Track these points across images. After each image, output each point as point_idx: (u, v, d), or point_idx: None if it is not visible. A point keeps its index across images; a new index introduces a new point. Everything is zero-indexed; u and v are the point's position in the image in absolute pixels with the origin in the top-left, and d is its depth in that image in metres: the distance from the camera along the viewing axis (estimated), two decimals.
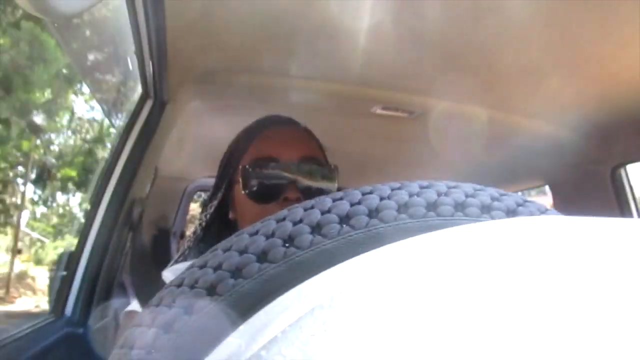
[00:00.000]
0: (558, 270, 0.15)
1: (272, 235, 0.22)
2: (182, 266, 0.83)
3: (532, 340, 0.13)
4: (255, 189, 0.85)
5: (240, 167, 0.87)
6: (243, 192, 0.86)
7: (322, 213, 0.22)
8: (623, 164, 1.53)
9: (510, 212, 0.23)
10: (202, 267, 0.22)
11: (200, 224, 0.91)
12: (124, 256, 1.50)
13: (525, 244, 0.17)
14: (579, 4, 0.90)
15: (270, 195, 0.85)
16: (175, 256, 0.92)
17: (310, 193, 0.85)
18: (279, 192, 0.84)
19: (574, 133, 1.49)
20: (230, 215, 0.91)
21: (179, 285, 0.22)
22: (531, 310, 0.14)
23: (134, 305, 0.82)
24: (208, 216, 0.91)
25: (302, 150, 0.89)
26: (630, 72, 1.11)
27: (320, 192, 0.86)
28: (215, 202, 0.91)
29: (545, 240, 0.17)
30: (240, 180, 0.86)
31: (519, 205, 0.24)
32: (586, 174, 1.61)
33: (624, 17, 0.91)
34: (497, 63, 1.16)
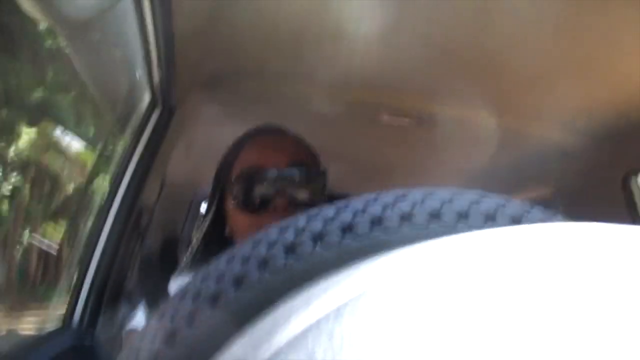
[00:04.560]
0: (568, 278, 0.15)
1: (274, 244, 0.22)
2: (186, 280, 0.83)
3: (543, 349, 0.13)
4: (243, 200, 0.85)
5: (228, 179, 0.88)
6: (233, 203, 0.86)
7: (296, 233, 0.22)
8: (634, 171, 1.51)
9: (516, 220, 0.23)
10: (204, 279, 0.22)
11: (196, 240, 0.92)
12: (133, 265, 1.51)
13: (535, 251, 0.16)
14: (589, 8, 0.89)
15: (258, 205, 0.84)
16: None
17: (299, 198, 0.85)
18: (267, 201, 0.84)
19: (584, 139, 1.48)
20: (226, 230, 0.91)
21: (181, 298, 0.22)
22: (541, 317, 0.13)
23: (137, 321, 0.82)
24: (204, 231, 0.91)
25: (289, 156, 0.88)
26: None
27: (309, 198, 0.85)
28: (209, 217, 0.91)
29: (554, 247, 0.17)
30: (230, 191, 0.87)
31: (525, 211, 0.24)
32: (597, 181, 1.60)
33: (635, 21, 0.91)
34: (506, 68, 1.16)
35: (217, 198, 0.91)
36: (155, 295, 0.83)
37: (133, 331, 0.80)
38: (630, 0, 0.84)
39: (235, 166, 0.89)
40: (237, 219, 0.87)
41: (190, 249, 0.92)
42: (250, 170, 0.86)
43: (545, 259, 0.16)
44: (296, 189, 0.85)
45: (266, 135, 0.93)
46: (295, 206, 0.84)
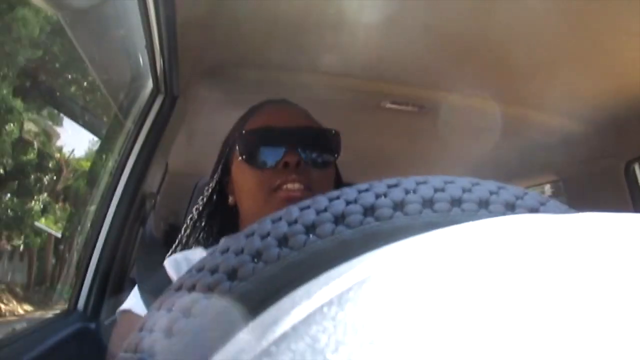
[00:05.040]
0: (573, 267, 0.15)
1: (268, 235, 0.22)
2: (179, 256, 0.81)
3: (538, 340, 0.13)
4: (253, 152, 0.81)
5: (238, 134, 0.84)
6: (240, 158, 0.82)
7: (318, 213, 0.22)
8: (637, 159, 1.51)
9: (534, 210, 0.23)
10: (200, 269, 0.22)
11: (197, 209, 0.89)
12: (136, 251, 1.51)
13: (538, 241, 0.17)
14: None
15: (269, 158, 0.80)
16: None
17: (310, 157, 0.82)
18: (279, 155, 0.80)
19: (588, 127, 1.47)
20: (230, 200, 0.87)
21: (178, 289, 0.22)
22: (535, 309, 0.14)
23: (129, 302, 0.78)
24: (205, 199, 0.88)
25: (299, 120, 0.85)
26: None
27: (321, 157, 0.83)
28: (212, 184, 0.88)
29: (556, 237, 0.17)
30: (238, 147, 0.83)
31: (542, 204, 0.24)
32: (600, 169, 1.59)
33: (637, 10, 0.90)
34: (509, 56, 1.15)
35: (222, 166, 0.88)
36: (151, 280, 0.81)
37: (127, 312, 0.77)
38: None
39: (244, 128, 0.86)
40: (244, 177, 0.82)
41: (187, 223, 0.89)
42: (261, 127, 0.83)
43: (548, 248, 0.16)
44: (308, 147, 0.82)
45: (273, 104, 0.91)
46: (306, 164, 0.80)
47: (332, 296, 0.15)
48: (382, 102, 1.44)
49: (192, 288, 0.21)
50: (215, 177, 0.88)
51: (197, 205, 0.89)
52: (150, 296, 0.75)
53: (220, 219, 0.89)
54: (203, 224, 0.89)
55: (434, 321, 0.13)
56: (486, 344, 0.13)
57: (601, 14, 0.95)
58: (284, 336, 0.15)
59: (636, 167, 1.52)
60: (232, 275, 0.21)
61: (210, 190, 0.88)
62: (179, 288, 0.22)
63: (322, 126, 0.88)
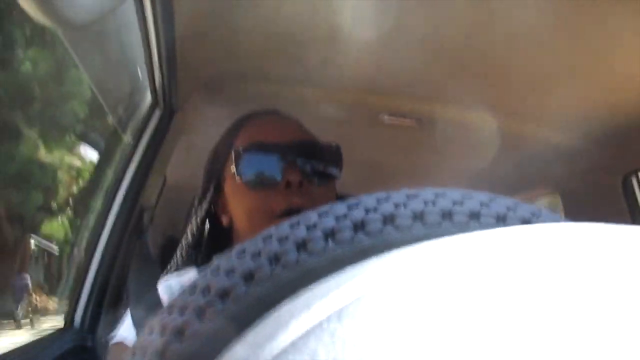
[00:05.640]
0: (569, 279, 0.15)
1: (259, 255, 0.22)
2: (174, 281, 0.76)
3: (545, 352, 0.13)
4: (251, 172, 0.75)
5: (233, 151, 0.77)
6: (238, 179, 0.75)
7: (308, 228, 0.22)
8: (635, 172, 1.51)
9: (526, 222, 0.23)
10: (192, 291, 0.22)
11: (190, 231, 0.84)
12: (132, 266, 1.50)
13: (536, 253, 0.16)
14: (590, 11, 0.89)
15: (268, 178, 0.75)
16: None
17: (312, 174, 0.76)
18: (279, 174, 0.74)
19: (585, 141, 1.48)
20: (224, 221, 0.82)
21: (170, 312, 0.22)
22: (542, 319, 0.13)
23: (122, 334, 0.74)
24: (199, 221, 0.83)
25: (294, 134, 0.80)
26: None
27: (324, 173, 0.78)
28: (204, 205, 0.82)
29: (555, 248, 0.17)
30: (234, 167, 0.76)
31: (534, 215, 0.24)
32: (597, 182, 1.60)
33: (636, 23, 0.91)
34: (507, 70, 1.16)
35: (214, 185, 0.82)
36: (147, 299, 0.77)
37: (119, 344, 0.72)
38: (630, 2, 0.84)
39: (236, 144, 0.79)
40: (242, 199, 0.77)
41: (182, 244, 0.84)
42: (256, 143, 0.77)
43: (546, 260, 0.16)
44: (309, 162, 0.76)
45: (263, 116, 0.85)
46: (309, 182, 0.75)
47: (330, 312, 0.15)
48: (380, 116, 1.44)
49: (184, 310, 0.21)
50: (207, 197, 0.82)
51: (191, 227, 0.84)
52: (142, 323, 0.71)
53: (214, 239, 0.85)
54: (197, 244, 0.84)
55: (432, 336, 0.13)
56: (484, 357, 0.12)
57: (599, 29, 0.95)
58: (283, 352, 0.14)
59: (634, 180, 1.53)
60: (223, 296, 0.20)
61: (204, 212, 0.83)
62: (171, 311, 0.22)
63: (318, 138, 0.85)
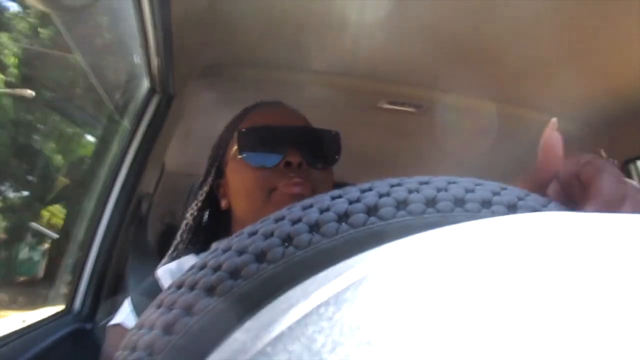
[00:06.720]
0: (562, 268, 0.15)
1: (271, 234, 0.22)
2: (173, 265, 0.77)
3: (537, 340, 0.13)
4: (253, 151, 0.78)
5: (237, 132, 0.81)
6: (239, 158, 0.79)
7: (321, 212, 0.22)
8: (634, 159, 1.51)
9: (511, 207, 0.23)
10: (202, 267, 0.22)
11: (191, 214, 0.86)
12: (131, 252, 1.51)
13: (528, 241, 0.16)
14: None
15: (269, 157, 0.78)
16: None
17: (311, 158, 0.80)
18: (280, 155, 0.77)
19: (584, 127, 1.48)
20: (223, 204, 0.84)
21: (179, 287, 0.22)
22: (535, 308, 0.13)
23: (120, 316, 0.75)
24: (199, 204, 0.85)
25: (296, 121, 0.84)
26: None
27: (322, 158, 0.81)
28: (205, 189, 0.85)
29: (549, 236, 0.17)
30: (237, 145, 0.80)
31: (520, 199, 0.24)
32: None
33: (635, 10, 0.90)
34: (506, 56, 1.15)
35: (215, 169, 0.85)
36: (146, 284, 0.78)
37: (117, 326, 0.73)
38: None
39: (240, 128, 0.83)
40: (242, 177, 0.79)
41: (182, 227, 0.86)
42: (261, 125, 0.81)
43: (544, 247, 0.16)
44: (309, 147, 0.79)
45: (267, 106, 0.89)
46: (308, 165, 0.79)
47: (329, 296, 0.15)
48: (379, 102, 1.44)
49: (193, 286, 0.21)
50: (209, 180, 0.85)
51: (192, 210, 0.86)
52: (141, 307, 0.72)
53: (214, 224, 0.87)
54: (197, 229, 0.86)
55: (431, 321, 0.13)
56: (485, 343, 0.12)
57: (597, 15, 0.95)
58: (280, 336, 0.14)
59: (633, 166, 1.53)
60: (234, 274, 0.21)
61: (204, 194, 0.85)
62: (180, 286, 0.22)
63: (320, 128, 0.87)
